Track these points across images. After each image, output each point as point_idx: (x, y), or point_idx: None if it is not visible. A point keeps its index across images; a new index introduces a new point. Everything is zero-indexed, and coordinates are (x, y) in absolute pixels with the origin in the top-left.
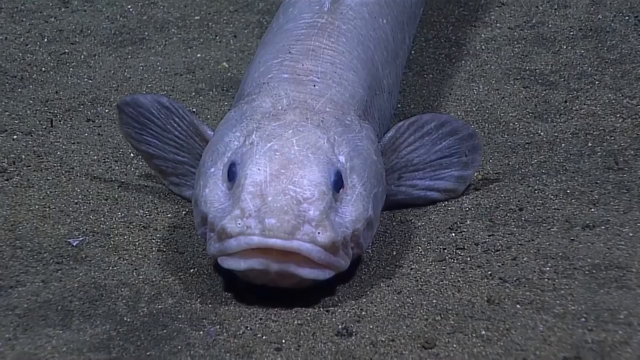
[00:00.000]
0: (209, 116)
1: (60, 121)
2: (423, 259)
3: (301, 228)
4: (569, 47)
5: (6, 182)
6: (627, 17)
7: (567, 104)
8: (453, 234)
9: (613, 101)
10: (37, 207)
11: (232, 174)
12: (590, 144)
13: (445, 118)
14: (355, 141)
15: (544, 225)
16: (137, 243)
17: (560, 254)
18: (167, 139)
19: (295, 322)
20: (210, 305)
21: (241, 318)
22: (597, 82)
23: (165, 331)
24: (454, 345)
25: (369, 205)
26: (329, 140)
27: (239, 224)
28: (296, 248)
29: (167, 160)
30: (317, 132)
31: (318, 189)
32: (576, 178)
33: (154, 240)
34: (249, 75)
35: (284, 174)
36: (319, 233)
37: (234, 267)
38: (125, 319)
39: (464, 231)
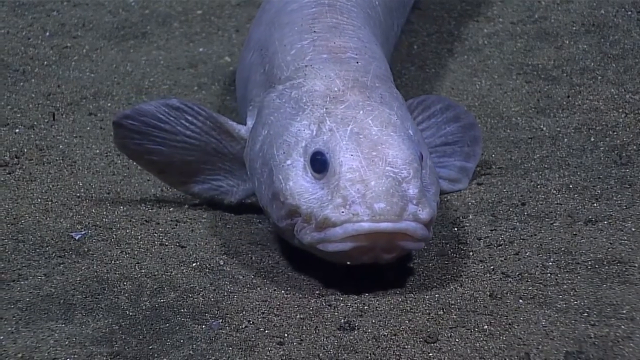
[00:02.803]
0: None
1: (62, 115)
2: (425, 254)
3: (407, 208)
4: (572, 42)
5: (8, 175)
6: (629, 13)
7: (570, 99)
8: (455, 229)
9: (615, 96)
10: (39, 200)
11: (317, 163)
12: (592, 139)
13: (448, 102)
14: (408, 114)
15: (547, 220)
16: (139, 237)
17: (563, 249)
18: (174, 142)
19: (298, 317)
20: (212, 299)
21: (243, 312)
22: (599, 77)
23: (167, 325)
24: (457, 340)
25: (437, 177)
26: (397, 115)
27: (343, 212)
28: (404, 229)
29: (172, 164)
30: (385, 110)
31: (412, 167)
32: (579, 173)
33: (156, 234)
34: (276, 60)
35: (377, 156)
36: (420, 211)
37: (339, 249)
38: (127, 312)
39: (466, 226)
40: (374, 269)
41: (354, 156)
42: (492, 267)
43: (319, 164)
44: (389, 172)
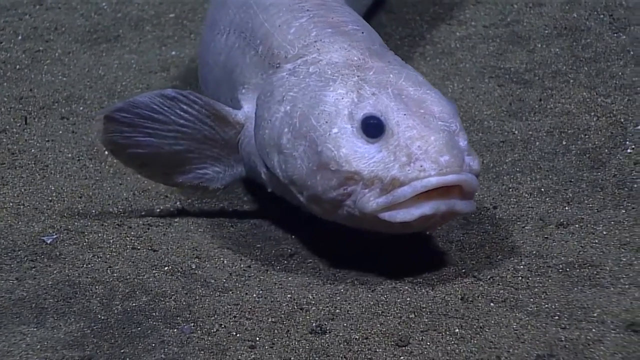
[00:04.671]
0: None
1: (34, 119)
2: (397, 257)
3: (464, 160)
4: (544, 46)
5: None
6: (601, 16)
7: (542, 102)
8: (427, 232)
9: (587, 99)
10: (11, 204)
11: (371, 127)
12: (564, 143)
13: None
14: None
15: (518, 223)
16: (111, 241)
17: (534, 252)
18: (166, 131)
19: (270, 320)
20: (184, 303)
21: (215, 316)
22: (571, 81)
23: (139, 329)
24: (428, 343)
25: None
26: (421, 76)
27: (409, 170)
28: (465, 180)
29: (158, 156)
30: (409, 71)
31: (457, 121)
32: (550, 176)
33: (128, 238)
34: (273, 41)
35: (426, 113)
36: (472, 161)
37: (407, 219)
38: (99, 316)
39: (438, 229)
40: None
41: (407, 115)
42: (463, 270)
43: (373, 127)
44: (442, 127)
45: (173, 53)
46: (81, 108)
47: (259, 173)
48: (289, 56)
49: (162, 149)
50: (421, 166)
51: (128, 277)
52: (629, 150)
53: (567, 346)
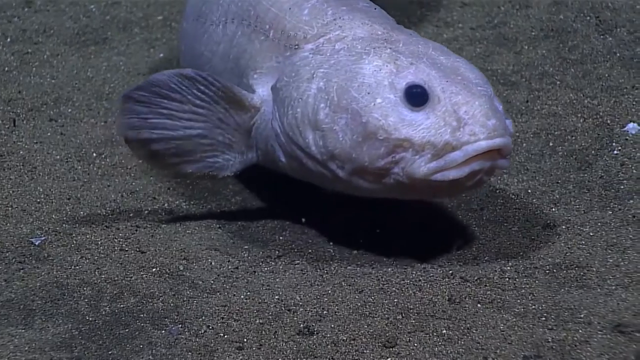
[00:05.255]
0: None
1: (23, 121)
2: (384, 258)
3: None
4: (531, 48)
5: None
6: (588, 18)
7: (529, 103)
8: (414, 234)
9: (574, 101)
10: None
11: (416, 96)
12: (551, 144)
13: None
14: None
15: (505, 224)
16: (99, 242)
17: (521, 254)
18: (182, 112)
19: (257, 321)
20: (172, 305)
21: (203, 317)
22: (558, 82)
23: (127, 330)
24: (415, 344)
25: None
26: (443, 46)
27: (460, 135)
28: (508, 143)
29: (172, 140)
30: (433, 42)
31: (490, 86)
32: (537, 178)
33: (116, 240)
34: (286, 24)
35: (464, 79)
36: (510, 124)
37: (459, 175)
38: (87, 318)
39: (425, 230)
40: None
41: (449, 82)
42: (450, 271)
43: (418, 96)
44: (482, 92)
45: (161, 55)
46: (69, 110)
47: (276, 157)
48: (308, 36)
49: (175, 134)
50: (471, 130)
51: (116, 278)
52: (615, 152)
53: (554, 347)
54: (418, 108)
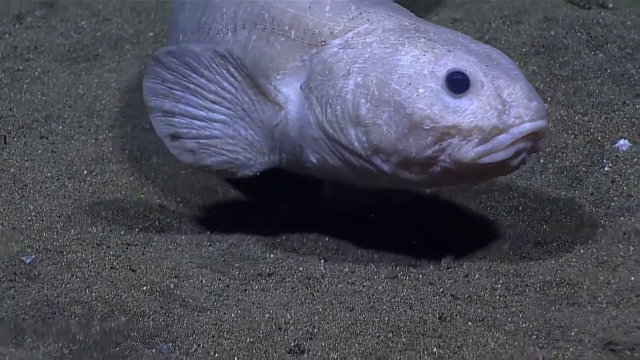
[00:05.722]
0: None
1: (14, 138)
2: (375, 276)
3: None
4: (522, 64)
5: None
6: (579, 34)
7: None
8: (405, 251)
9: (565, 118)
10: None
11: (457, 83)
12: (542, 161)
13: None
14: None
15: (496, 242)
16: (90, 260)
17: (512, 271)
18: (208, 92)
19: (248, 340)
20: (162, 323)
21: (194, 335)
22: (549, 99)
23: (118, 349)
24: None
25: None
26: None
27: (506, 118)
28: (547, 124)
29: (194, 119)
30: (455, 31)
31: (520, 70)
32: (528, 195)
33: (106, 258)
34: (308, 22)
35: (500, 64)
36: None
37: (506, 156)
38: (78, 336)
39: (416, 248)
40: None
41: (489, 66)
42: (441, 289)
43: (460, 82)
44: (519, 75)
45: None
46: (60, 127)
47: (303, 159)
48: (335, 32)
49: (197, 113)
50: (517, 113)
51: (107, 297)
52: (606, 169)
53: None
54: (460, 94)
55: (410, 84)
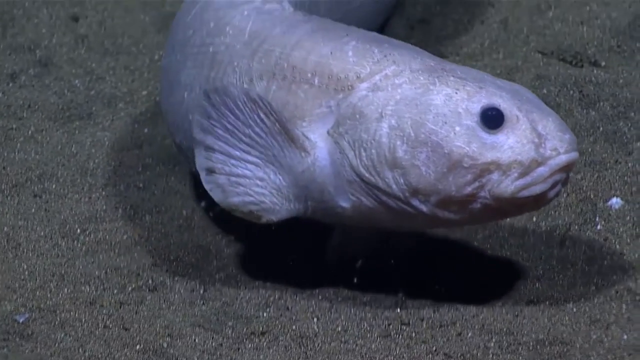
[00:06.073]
0: (155, 192)
1: (7, 197)
2: (368, 335)
3: None
4: None
5: None
6: (571, 92)
7: None
8: (398, 310)
9: None
10: None
11: (492, 119)
12: (535, 219)
13: None
14: None
15: (489, 300)
16: (83, 319)
17: (505, 329)
18: (242, 134)
19: None
20: None
21: None
22: None
23: None
24: None
25: None
26: None
27: (543, 151)
28: (577, 155)
29: (229, 157)
30: (482, 71)
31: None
32: (520, 253)
33: (100, 317)
34: (332, 68)
35: (527, 98)
36: None
37: (544, 188)
38: None
39: (409, 307)
40: None
41: (520, 101)
42: (434, 348)
43: (494, 118)
44: (548, 108)
45: (146, 130)
46: (54, 186)
47: (333, 205)
48: (362, 75)
49: (232, 152)
50: (553, 145)
51: (100, 356)
52: (599, 227)
53: None
54: (496, 130)
55: (446, 123)
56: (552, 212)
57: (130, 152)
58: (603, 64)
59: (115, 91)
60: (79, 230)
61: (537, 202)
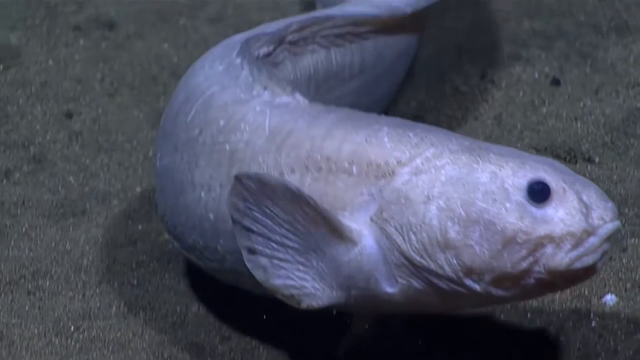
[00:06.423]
0: (149, 289)
1: (1, 294)
2: None
3: None
4: None
5: None
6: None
7: None
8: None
9: None
10: None
11: (540, 192)
12: (529, 316)
13: None
14: None
15: None
16: None
17: None
18: (281, 220)
19: None
20: None
21: None
22: None
23: None
24: None
25: None
26: None
27: (591, 221)
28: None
29: (269, 240)
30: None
31: None
32: (515, 350)
33: None
34: (370, 156)
35: (567, 172)
36: None
37: (596, 258)
38: None
39: None
40: None
41: (563, 173)
42: None
43: (541, 192)
44: (586, 179)
45: (140, 227)
46: (47, 283)
47: (379, 291)
48: (402, 160)
49: (272, 236)
50: (599, 215)
51: None
52: (593, 324)
53: None
54: (543, 203)
55: (496, 200)
56: (547, 309)
57: (124, 249)
58: (597, 160)
59: (109, 188)
60: (72, 328)
61: (587, 273)
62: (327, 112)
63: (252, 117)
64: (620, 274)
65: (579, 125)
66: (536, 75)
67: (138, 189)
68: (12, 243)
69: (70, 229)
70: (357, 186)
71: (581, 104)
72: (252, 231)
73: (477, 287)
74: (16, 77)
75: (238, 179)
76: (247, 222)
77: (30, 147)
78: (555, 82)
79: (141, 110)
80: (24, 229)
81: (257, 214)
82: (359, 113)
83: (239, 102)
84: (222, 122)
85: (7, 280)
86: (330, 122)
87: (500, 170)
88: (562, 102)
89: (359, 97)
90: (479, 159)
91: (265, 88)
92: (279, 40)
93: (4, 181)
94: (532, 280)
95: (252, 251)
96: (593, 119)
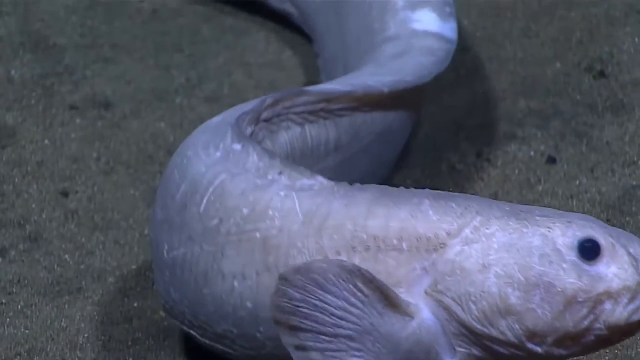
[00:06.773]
0: None
1: None
2: None
3: None
4: None
5: None
6: None
7: None
8: None
9: None
10: None
11: (591, 250)
12: None
13: None
14: None
15: None
16: None
17: None
18: (334, 308)
19: None
20: None
21: None
22: None
23: None
24: None
25: None
26: None
27: None
28: None
29: (320, 334)
30: None
31: None
32: None
33: None
34: (419, 230)
35: (607, 226)
36: None
37: None
38: None
39: None
40: None
41: (607, 228)
42: None
43: (591, 249)
44: (625, 231)
45: (135, 304)
46: None
47: None
48: (451, 232)
49: (324, 330)
50: None
51: None
52: None
53: None
54: (594, 260)
55: (552, 262)
56: None
57: (120, 326)
58: None
59: (104, 265)
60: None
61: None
62: (359, 190)
63: (280, 204)
64: (616, 350)
65: (574, 203)
66: (532, 153)
67: (134, 267)
68: (8, 321)
69: (66, 306)
70: (409, 262)
71: (577, 182)
72: (300, 329)
73: (538, 349)
74: (12, 156)
75: (284, 277)
76: (295, 322)
77: (26, 226)
78: (551, 160)
79: (137, 188)
80: (19, 307)
81: (305, 310)
82: (392, 189)
83: (258, 188)
84: (245, 211)
85: (3, 358)
86: (368, 201)
87: (549, 232)
88: (558, 180)
89: (337, 175)
90: (526, 222)
91: (280, 173)
92: (257, 119)
93: (0, 259)
94: (592, 337)
95: (301, 348)
96: (589, 197)
